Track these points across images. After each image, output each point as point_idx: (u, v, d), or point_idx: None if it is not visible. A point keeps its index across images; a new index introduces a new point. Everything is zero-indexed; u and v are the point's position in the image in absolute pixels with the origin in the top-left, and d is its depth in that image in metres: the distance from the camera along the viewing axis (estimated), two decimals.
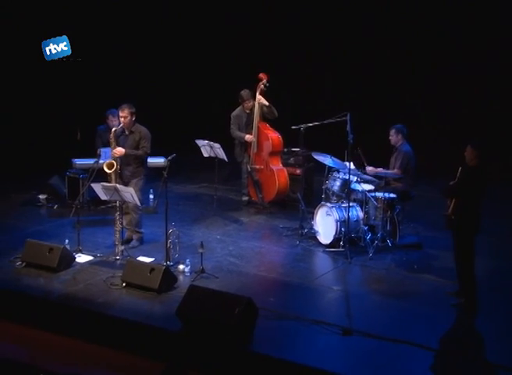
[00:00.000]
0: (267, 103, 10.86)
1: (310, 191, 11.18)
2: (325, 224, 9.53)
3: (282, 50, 13.69)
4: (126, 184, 8.99)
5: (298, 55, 13.74)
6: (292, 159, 11.25)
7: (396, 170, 9.54)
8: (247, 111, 11.03)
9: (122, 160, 9.19)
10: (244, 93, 10.97)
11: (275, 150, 10.97)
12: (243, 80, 11.27)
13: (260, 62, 12.18)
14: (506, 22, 12.23)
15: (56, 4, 12.70)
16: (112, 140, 9.14)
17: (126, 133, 9.26)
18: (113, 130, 9.25)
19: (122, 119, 9.20)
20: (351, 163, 9.38)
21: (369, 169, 9.52)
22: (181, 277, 8.38)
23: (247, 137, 10.97)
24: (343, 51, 13.43)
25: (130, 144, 9.22)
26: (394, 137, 9.65)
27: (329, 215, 9.44)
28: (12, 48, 12.47)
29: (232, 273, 8.61)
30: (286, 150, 11.26)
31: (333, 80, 13.49)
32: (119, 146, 9.15)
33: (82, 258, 8.89)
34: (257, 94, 10.86)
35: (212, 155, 10.83)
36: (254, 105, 10.93)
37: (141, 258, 8.81)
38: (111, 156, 9.21)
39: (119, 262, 8.82)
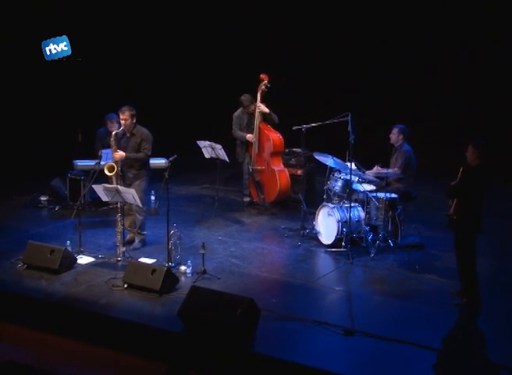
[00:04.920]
0: (267, 111, 10.86)
1: (311, 191, 11.14)
2: (326, 225, 9.52)
3: (282, 50, 13.67)
4: (128, 186, 8.94)
5: (299, 55, 13.72)
6: (293, 160, 11.23)
7: (396, 169, 9.54)
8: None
9: (124, 162, 9.15)
10: (244, 98, 10.95)
11: (276, 150, 10.95)
12: (244, 81, 11.26)
13: (261, 63, 12.18)
14: (507, 21, 12.21)
15: (56, 4, 12.69)
16: (113, 143, 9.09)
17: (128, 135, 9.21)
18: (114, 132, 9.19)
19: (122, 122, 9.12)
20: (352, 163, 9.37)
21: (368, 172, 9.53)
22: (183, 278, 8.38)
23: (249, 136, 10.95)
24: (344, 51, 13.41)
25: (132, 147, 9.18)
26: (395, 136, 9.66)
27: (331, 215, 9.43)
28: (12, 48, 12.45)
29: (234, 274, 8.60)
30: (287, 150, 11.24)
31: (334, 80, 13.46)
32: (121, 148, 9.11)
33: (83, 259, 8.89)
34: (259, 95, 10.83)
35: (214, 156, 10.83)
36: (255, 107, 10.92)
37: (143, 260, 8.81)
38: (111, 159, 9.19)
39: (120, 263, 8.81)
